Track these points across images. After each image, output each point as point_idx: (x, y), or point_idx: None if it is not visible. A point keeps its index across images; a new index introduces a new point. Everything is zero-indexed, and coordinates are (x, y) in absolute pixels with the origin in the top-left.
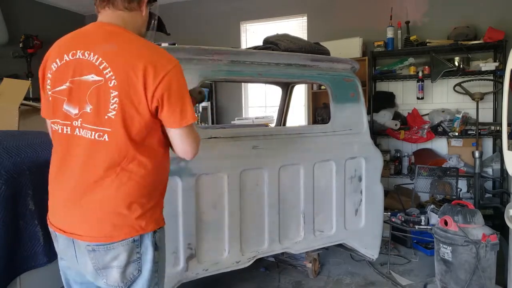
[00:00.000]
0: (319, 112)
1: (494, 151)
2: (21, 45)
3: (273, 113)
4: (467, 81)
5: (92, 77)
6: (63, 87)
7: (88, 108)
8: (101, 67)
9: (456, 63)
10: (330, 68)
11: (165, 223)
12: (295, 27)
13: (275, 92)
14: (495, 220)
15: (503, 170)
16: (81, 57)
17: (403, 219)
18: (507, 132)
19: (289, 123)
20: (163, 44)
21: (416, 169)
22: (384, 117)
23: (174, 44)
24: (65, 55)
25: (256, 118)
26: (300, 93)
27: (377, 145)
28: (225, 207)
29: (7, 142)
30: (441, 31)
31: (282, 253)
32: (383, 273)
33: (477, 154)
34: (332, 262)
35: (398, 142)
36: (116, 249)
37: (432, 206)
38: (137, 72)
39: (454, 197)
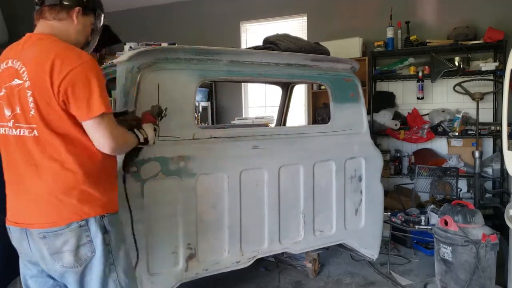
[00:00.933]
0: (319, 112)
1: (494, 151)
2: None
3: (273, 113)
4: (467, 81)
5: (15, 82)
6: (1, 93)
7: (18, 109)
8: (21, 71)
9: (456, 63)
10: (330, 68)
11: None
12: (295, 27)
13: (275, 92)
14: (495, 220)
15: (503, 170)
16: (10, 65)
17: (403, 219)
18: (507, 132)
19: (289, 123)
20: (163, 44)
21: (416, 169)
22: (384, 117)
23: (174, 44)
24: (1, 65)
25: (256, 118)
26: (300, 93)
27: (377, 145)
28: (225, 207)
29: None
30: (441, 31)
31: (282, 253)
32: (383, 273)
33: (477, 154)
34: (332, 262)
35: (398, 142)
36: (65, 234)
37: (432, 206)
38: (45, 70)
39: (454, 197)
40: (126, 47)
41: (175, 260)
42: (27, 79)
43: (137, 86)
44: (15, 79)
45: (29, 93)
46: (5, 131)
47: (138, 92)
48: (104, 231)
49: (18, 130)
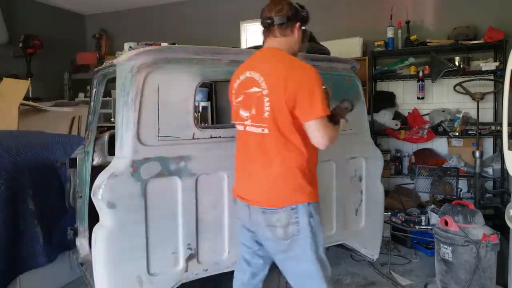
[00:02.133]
0: None
1: (494, 151)
2: (21, 45)
3: None
4: (468, 81)
5: (254, 89)
6: (240, 98)
7: (253, 111)
8: (259, 81)
9: (457, 63)
10: (330, 68)
11: (166, 223)
12: None
13: None
14: (495, 220)
15: (503, 170)
16: (249, 76)
17: (403, 219)
18: (508, 132)
19: None
20: (163, 44)
21: (416, 169)
22: (385, 117)
23: (174, 44)
24: (241, 76)
25: None
26: None
27: (377, 145)
28: (225, 207)
29: (7, 142)
30: (441, 31)
31: None
32: (383, 273)
33: (477, 154)
34: (332, 262)
35: (398, 142)
36: (279, 214)
37: (433, 206)
38: (280, 81)
39: (455, 197)
40: (126, 46)
41: (175, 261)
42: (265, 87)
43: (136, 86)
44: (254, 87)
45: (266, 99)
46: (243, 128)
47: (138, 92)
48: (310, 215)
49: (252, 127)
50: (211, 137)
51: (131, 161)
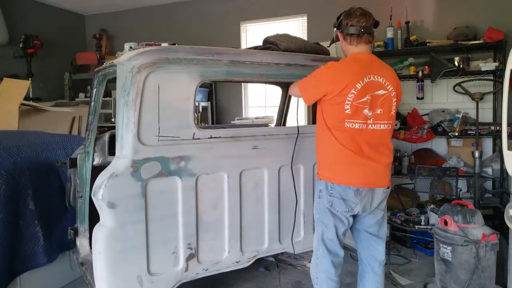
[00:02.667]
0: None
1: (494, 151)
2: (21, 45)
3: (273, 113)
4: (467, 81)
5: (381, 92)
6: (364, 99)
7: (378, 111)
8: (385, 85)
9: (456, 63)
10: None
11: (167, 223)
12: (295, 27)
13: (275, 92)
14: (495, 220)
15: (503, 170)
16: (373, 79)
17: (403, 219)
18: (507, 132)
19: (289, 123)
20: (163, 44)
21: (416, 169)
22: None
23: (174, 44)
24: (364, 78)
25: (256, 118)
26: None
27: None
28: (225, 207)
29: (7, 142)
30: (441, 31)
31: (282, 253)
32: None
33: (477, 154)
34: None
35: (398, 142)
36: (387, 192)
37: (432, 206)
38: (399, 86)
39: (454, 197)
40: (126, 47)
41: (175, 260)
42: (392, 90)
43: (137, 86)
44: (381, 90)
45: (394, 100)
46: (359, 126)
47: (138, 92)
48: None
49: (376, 125)
50: (211, 137)
51: (132, 161)
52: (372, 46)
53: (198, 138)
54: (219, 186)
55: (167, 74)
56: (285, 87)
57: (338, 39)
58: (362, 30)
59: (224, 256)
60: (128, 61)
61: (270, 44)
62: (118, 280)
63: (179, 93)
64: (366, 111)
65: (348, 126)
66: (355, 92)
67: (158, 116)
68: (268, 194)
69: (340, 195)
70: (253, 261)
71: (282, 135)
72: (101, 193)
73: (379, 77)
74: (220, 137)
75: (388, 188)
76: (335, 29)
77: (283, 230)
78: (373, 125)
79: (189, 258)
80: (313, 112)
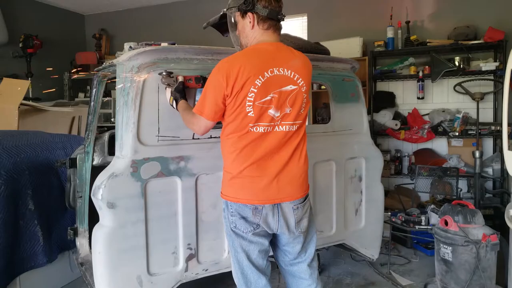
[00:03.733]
0: (319, 112)
1: (494, 151)
2: (21, 45)
3: None
4: (468, 81)
5: (289, 87)
6: (267, 98)
7: (287, 110)
8: (294, 78)
9: (457, 63)
10: (330, 68)
11: (166, 223)
12: (295, 27)
13: None
14: (495, 220)
15: (503, 170)
16: (277, 73)
17: (403, 219)
18: (508, 132)
19: None
20: (163, 44)
21: (416, 169)
22: (385, 117)
23: (174, 44)
24: (265, 73)
25: None
26: None
27: (377, 145)
28: None
29: (7, 142)
30: (441, 31)
31: None
32: (383, 273)
33: (477, 154)
34: (332, 262)
35: (398, 142)
36: (306, 203)
37: (432, 206)
38: (310, 77)
39: (455, 197)
40: (126, 46)
41: (175, 260)
42: (303, 84)
43: (136, 86)
44: (290, 85)
45: (305, 96)
46: (264, 129)
47: (138, 92)
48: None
49: (284, 127)
50: (211, 137)
51: (131, 161)
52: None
53: (198, 138)
54: (218, 186)
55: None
56: None
57: (232, 23)
58: (281, 15)
59: (224, 256)
60: (127, 60)
61: None
62: (118, 280)
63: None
64: (271, 111)
65: (254, 130)
66: (255, 90)
67: (157, 116)
68: None
69: (240, 214)
70: None
71: None
72: (100, 193)
73: (285, 70)
74: (219, 137)
75: (304, 198)
76: (234, 8)
77: None
78: (281, 127)
79: (189, 258)
80: (313, 112)
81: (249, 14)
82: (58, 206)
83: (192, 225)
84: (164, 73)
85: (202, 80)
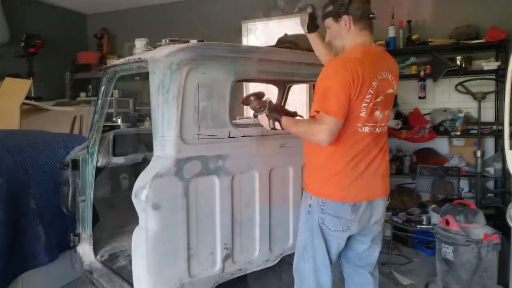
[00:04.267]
0: None
1: (496, 150)
2: (22, 44)
3: None
4: (469, 80)
5: (390, 91)
6: (378, 99)
7: (387, 112)
8: (392, 82)
9: (458, 63)
10: None
11: (206, 223)
12: (296, 27)
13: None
14: (496, 220)
15: (505, 169)
16: (384, 77)
17: (404, 219)
18: (509, 132)
19: None
20: (192, 41)
21: (417, 169)
22: None
23: (202, 41)
24: (378, 76)
25: None
26: (301, 91)
27: None
28: (257, 205)
29: (9, 141)
30: (442, 31)
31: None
32: (385, 273)
33: (479, 153)
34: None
35: (399, 141)
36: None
37: (434, 205)
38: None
39: (456, 196)
40: (138, 42)
41: (212, 261)
42: (395, 87)
43: (178, 84)
44: (390, 89)
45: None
46: (373, 129)
47: (180, 89)
48: None
49: (382, 128)
50: (244, 136)
51: (175, 160)
52: None
53: (233, 137)
54: (251, 185)
55: (205, 71)
56: (282, 86)
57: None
58: (373, 14)
59: (255, 255)
60: (166, 57)
61: (289, 43)
62: (161, 284)
63: (216, 91)
64: (377, 113)
65: (360, 130)
66: (372, 92)
67: (198, 114)
68: (293, 192)
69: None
70: (279, 259)
71: None
72: (145, 194)
73: (388, 74)
74: (252, 136)
75: (387, 197)
76: (330, 13)
77: None
78: (380, 128)
79: (225, 258)
80: None
81: (344, 16)
82: (60, 205)
83: (228, 225)
84: (252, 98)
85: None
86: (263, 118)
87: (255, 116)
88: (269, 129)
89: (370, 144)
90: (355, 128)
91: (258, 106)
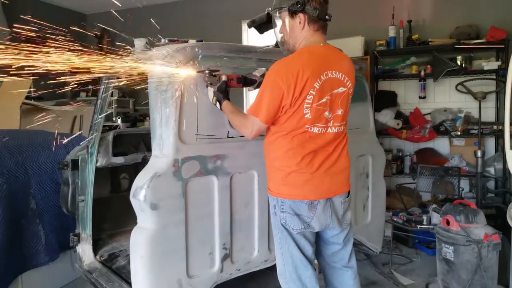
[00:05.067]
0: None
1: (496, 150)
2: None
3: None
4: (470, 80)
5: (341, 89)
6: (324, 100)
7: (340, 111)
8: (344, 80)
9: (459, 62)
10: None
11: (204, 223)
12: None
13: None
14: (497, 220)
15: (505, 169)
16: (331, 76)
17: (405, 219)
18: (510, 132)
19: None
20: (191, 41)
21: (418, 169)
22: (386, 116)
23: (201, 41)
24: (321, 76)
25: None
26: None
27: None
28: (255, 205)
29: (9, 141)
30: (443, 30)
31: None
32: (385, 273)
33: (479, 153)
34: None
35: (400, 141)
36: (350, 197)
37: (434, 205)
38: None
39: (456, 196)
40: (138, 42)
41: (211, 261)
42: (351, 86)
43: (177, 83)
44: (341, 87)
45: (350, 97)
46: (324, 130)
47: (178, 89)
48: None
49: (334, 128)
50: (243, 136)
51: (173, 160)
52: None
53: (232, 137)
54: (250, 185)
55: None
56: None
57: (280, 22)
58: (329, 16)
59: (254, 255)
60: (165, 56)
61: None
62: (160, 285)
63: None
64: (326, 113)
65: (310, 131)
66: (314, 93)
67: (196, 114)
68: None
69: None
70: None
71: None
72: (143, 194)
73: (337, 72)
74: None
75: (349, 192)
76: (284, 9)
77: None
78: (333, 128)
79: (224, 258)
80: None
81: (300, 14)
82: (60, 205)
83: (227, 225)
84: (206, 72)
85: (243, 81)
86: (209, 92)
87: (207, 87)
88: (212, 103)
89: (323, 143)
90: (304, 128)
91: (209, 82)
